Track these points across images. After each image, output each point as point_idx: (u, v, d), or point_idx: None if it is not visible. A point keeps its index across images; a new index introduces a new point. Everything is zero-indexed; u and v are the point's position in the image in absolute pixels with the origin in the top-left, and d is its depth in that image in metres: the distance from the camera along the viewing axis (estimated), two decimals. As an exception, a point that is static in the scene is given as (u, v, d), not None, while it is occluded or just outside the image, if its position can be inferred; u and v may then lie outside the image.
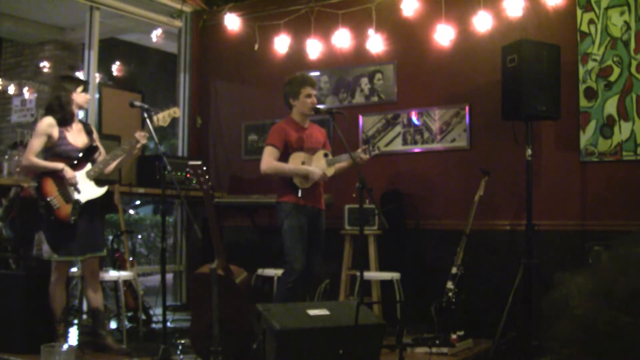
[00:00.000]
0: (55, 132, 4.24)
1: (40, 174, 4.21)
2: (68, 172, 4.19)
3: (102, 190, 4.33)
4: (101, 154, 4.41)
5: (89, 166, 4.31)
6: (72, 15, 7.35)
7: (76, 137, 4.35)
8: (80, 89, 4.36)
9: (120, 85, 7.75)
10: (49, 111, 4.30)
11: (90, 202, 4.27)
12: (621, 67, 4.85)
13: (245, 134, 6.57)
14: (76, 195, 4.21)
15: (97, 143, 4.46)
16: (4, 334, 4.28)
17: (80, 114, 4.61)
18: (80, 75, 6.87)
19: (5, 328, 4.29)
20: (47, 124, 4.23)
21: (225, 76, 6.80)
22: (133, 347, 4.50)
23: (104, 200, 4.50)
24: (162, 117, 4.33)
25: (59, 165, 4.19)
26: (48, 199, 4.15)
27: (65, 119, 4.29)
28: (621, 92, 4.85)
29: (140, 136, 4.20)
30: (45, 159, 4.24)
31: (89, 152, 4.34)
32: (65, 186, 4.20)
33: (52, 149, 4.25)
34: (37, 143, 4.20)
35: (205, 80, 6.93)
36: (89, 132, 4.45)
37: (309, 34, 6.03)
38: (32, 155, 4.17)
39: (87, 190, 4.27)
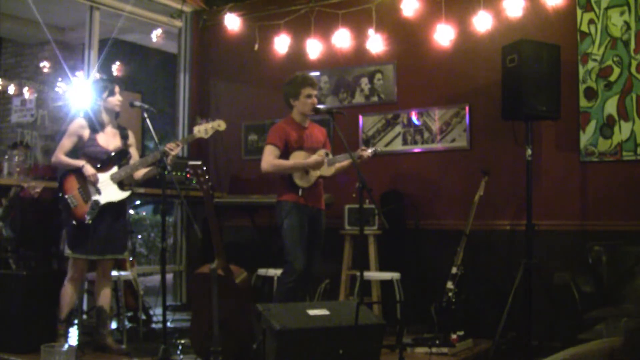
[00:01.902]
0: (85, 133, 4.30)
1: (65, 172, 4.28)
2: (88, 169, 4.22)
3: (124, 194, 4.33)
4: (132, 159, 4.43)
5: (115, 169, 4.32)
6: (72, 15, 7.34)
7: (109, 140, 4.38)
8: (105, 94, 4.36)
9: (120, 85, 7.73)
10: (84, 114, 4.37)
11: (111, 205, 4.28)
12: (621, 67, 4.85)
13: (245, 134, 6.57)
14: (96, 196, 4.22)
15: (132, 149, 4.48)
16: (4, 334, 4.28)
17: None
18: (80, 75, 6.86)
19: (5, 328, 4.28)
20: (79, 125, 4.31)
21: (225, 76, 6.80)
22: (133, 347, 4.50)
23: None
24: (204, 129, 4.26)
25: (80, 162, 4.24)
26: (66, 197, 4.19)
27: (94, 128, 4.33)
28: (621, 92, 4.85)
29: (171, 147, 4.19)
30: (76, 159, 4.29)
31: (119, 156, 4.37)
32: (87, 185, 4.22)
33: (82, 150, 4.31)
34: (67, 143, 4.29)
35: (205, 80, 6.93)
36: (124, 137, 4.47)
37: (309, 34, 6.03)
38: (62, 153, 4.27)
39: (109, 192, 4.28)
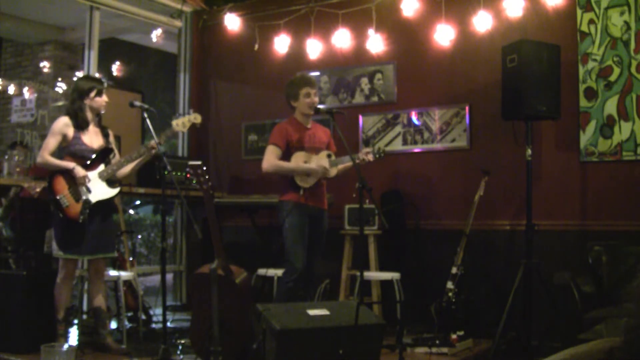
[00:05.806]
0: (70, 131, 4.28)
1: (53, 172, 4.25)
2: (79, 171, 4.20)
3: (113, 192, 4.33)
4: (116, 156, 4.42)
5: (102, 167, 4.31)
6: (72, 15, 7.35)
7: (92, 138, 4.36)
8: (93, 93, 4.32)
9: (120, 85, 7.74)
10: (66, 112, 4.35)
11: (101, 203, 4.28)
12: (621, 67, 4.85)
13: (245, 134, 6.57)
14: (86, 195, 4.21)
15: (113, 146, 4.47)
16: (4, 334, 4.28)
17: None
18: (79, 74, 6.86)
19: (5, 328, 4.29)
20: (63, 123, 4.28)
21: (225, 76, 6.80)
22: (133, 347, 4.50)
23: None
24: (182, 123, 4.29)
25: (70, 164, 4.21)
26: (57, 197, 4.18)
27: (79, 125, 4.31)
28: (621, 92, 4.85)
29: (152, 145, 4.19)
30: (61, 157, 4.27)
31: (103, 154, 4.35)
32: (77, 185, 4.21)
33: (67, 148, 4.28)
34: (52, 142, 4.25)
35: (205, 80, 6.93)
36: (105, 135, 4.46)
37: (309, 34, 6.03)
38: (47, 153, 4.23)
39: (99, 190, 4.27)
